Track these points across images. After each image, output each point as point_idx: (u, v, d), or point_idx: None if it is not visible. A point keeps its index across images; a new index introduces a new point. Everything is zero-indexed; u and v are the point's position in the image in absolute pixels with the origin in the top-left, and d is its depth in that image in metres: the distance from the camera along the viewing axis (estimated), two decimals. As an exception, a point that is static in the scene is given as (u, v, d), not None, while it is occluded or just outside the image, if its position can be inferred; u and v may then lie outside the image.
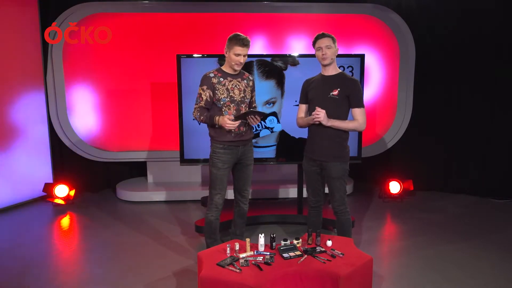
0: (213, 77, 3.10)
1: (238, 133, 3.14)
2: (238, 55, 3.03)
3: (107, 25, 4.92)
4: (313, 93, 3.09)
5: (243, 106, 3.18)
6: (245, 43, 3.02)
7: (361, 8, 5.16)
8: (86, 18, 4.96)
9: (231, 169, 3.27)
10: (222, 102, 3.10)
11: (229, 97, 3.10)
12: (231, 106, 3.12)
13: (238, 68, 3.10)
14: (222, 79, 3.10)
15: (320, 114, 2.92)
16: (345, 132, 3.06)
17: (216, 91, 3.09)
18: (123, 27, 5.06)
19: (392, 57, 5.23)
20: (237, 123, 3.02)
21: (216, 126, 3.08)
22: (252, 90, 3.30)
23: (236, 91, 3.13)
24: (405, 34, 5.13)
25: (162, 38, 5.09)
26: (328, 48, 2.97)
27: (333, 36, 3.02)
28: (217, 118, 3.05)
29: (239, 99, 3.14)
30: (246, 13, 5.12)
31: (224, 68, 3.17)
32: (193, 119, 3.31)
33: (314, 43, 3.05)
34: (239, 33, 3.06)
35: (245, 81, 3.20)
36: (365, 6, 5.16)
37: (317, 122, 2.96)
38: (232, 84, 3.13)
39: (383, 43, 5.22)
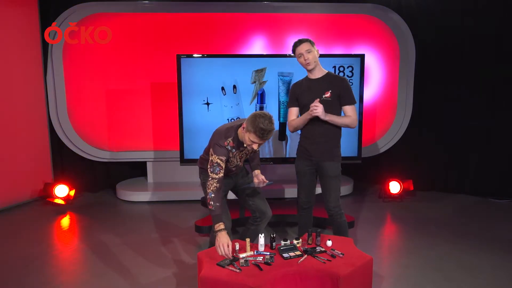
0: (230, 150, 2.85)
1: (231, 169, 3.01)
2: (253, 142, 2.73)
3: (107, 25, 4.92)
4: (304, 98, 3.04)
5: (240, 163, 3.06)
6: (264, 138, 2.68)
7: (361, 8, 5.16)
8: (86, 18, 4.96)
9: (231, 192, 3.15)
10: None
11: (231, 163, 2.97)
12: (230, 168, 3.00)
13: (250, 148, 2.81)
14: (234, 150, 2.89)
15: (318, 108, 2.87)
16: (339, 132, 3.07)
17: None
18: (123, 27, 5.06)
19: (392, 57, 5.23)
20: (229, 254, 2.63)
21: (213, 230, 2.71)
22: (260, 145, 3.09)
23: (242, 157, 3.00)
24: (405, 34, 5.13)
25: (162, 38, 5.09)
26: (309, 52, 2.96)
27: (310, 39, 3.01)
28: (220, 227, 2.67)
29: (239, 163, 3.02)
30: (246, 13, 5.12)
31: (240, 135, 2.84)
32: (208, 194, 2.71)
33: (293, 52, 3.02)
34: (266, 119, 2.63)
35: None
36: (365, 6, 5.16)
37: (315, 115, 2.89)
38: (241, 153, 2.96)
39: (383, 43, 5.22)
